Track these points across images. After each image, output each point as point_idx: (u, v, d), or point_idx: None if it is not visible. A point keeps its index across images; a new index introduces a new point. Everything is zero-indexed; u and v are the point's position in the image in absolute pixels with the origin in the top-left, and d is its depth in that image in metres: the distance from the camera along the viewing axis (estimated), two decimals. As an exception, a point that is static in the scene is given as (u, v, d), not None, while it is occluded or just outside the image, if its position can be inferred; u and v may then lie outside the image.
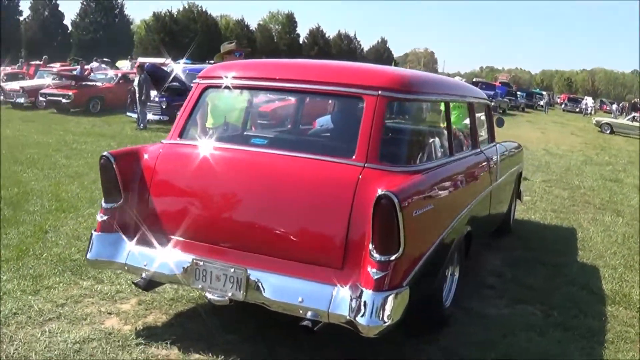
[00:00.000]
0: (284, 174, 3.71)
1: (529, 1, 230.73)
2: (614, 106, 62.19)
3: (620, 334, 4.53)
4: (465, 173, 4.73)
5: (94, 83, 22.72)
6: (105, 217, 4.04)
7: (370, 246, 3.32)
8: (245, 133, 4.83)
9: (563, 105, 64.11)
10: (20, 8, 60.13)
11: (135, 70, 20.11)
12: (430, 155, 4.44)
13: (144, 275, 3.88)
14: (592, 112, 53.00)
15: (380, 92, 3.73)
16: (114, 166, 3.95)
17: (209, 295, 3.65)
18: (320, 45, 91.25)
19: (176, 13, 71.85)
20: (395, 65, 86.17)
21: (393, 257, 3.30)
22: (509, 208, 7.01)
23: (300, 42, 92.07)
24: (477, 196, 4.95)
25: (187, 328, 4.19)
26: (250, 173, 3.79)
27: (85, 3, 64.08)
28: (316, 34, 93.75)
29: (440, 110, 4.82)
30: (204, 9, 75.57)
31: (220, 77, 4.27)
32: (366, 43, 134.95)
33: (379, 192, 3.27)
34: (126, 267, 3.95)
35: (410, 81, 4.17)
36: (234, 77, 4.23)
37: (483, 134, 6.02)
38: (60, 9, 62.60)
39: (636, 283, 5.77)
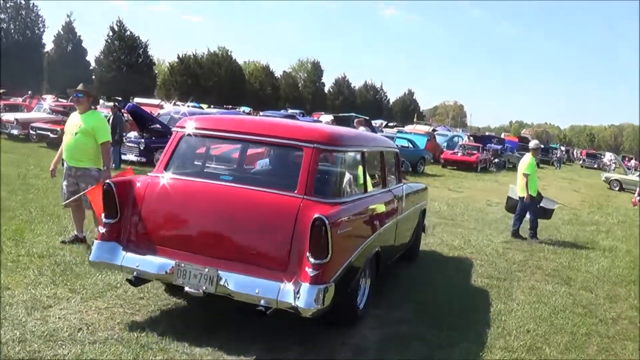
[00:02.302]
0: (245, 201, 5.03)
1: (558, 57, 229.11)
2: (633, 162, 60.50)
3: None
4: (376, 206, 6.09)
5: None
6: (104, 230, 5.24)
7: (308, 253, 4.64)
8: (215, 171, 6.21)
9: (581, 161, 62.78)
10: (44, 41, 60.95)
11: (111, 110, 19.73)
12: (350, 192, 5.76)
13: (135, 274, 5.07)
14: (614, 168, 50.20)
15: (314, 144, 5.14)
16: (114, 191, 5.19)
17: (187, 289, 4.86)
18: (345, 95, 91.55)
19: (201, 56, 72.50)
20: (420, 118, 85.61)
21: (324, 261, 4.62)
22: (414, 238, 8.32)
23: (326, 91, 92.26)
24: (385, 224, 6.33)
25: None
26: (220, 200, 5.11)
27: (109, 40, 65.18)
28: (342, 84, 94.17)
29: (358, 158, 6.13)
30: (229, 54, 76.15)
31: (205, 128, 5.67)
32: (393, 94, 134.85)
33: (315, 215, 4.62)
34: (121, 268, 5.14)
35: (336, 137, 5.62)
36: (209, 129, 5.69)
37: (392, 176, 7.27)
38: (83, 44, 63.44)
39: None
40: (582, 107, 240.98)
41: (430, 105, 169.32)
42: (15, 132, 22.40)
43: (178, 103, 40.21)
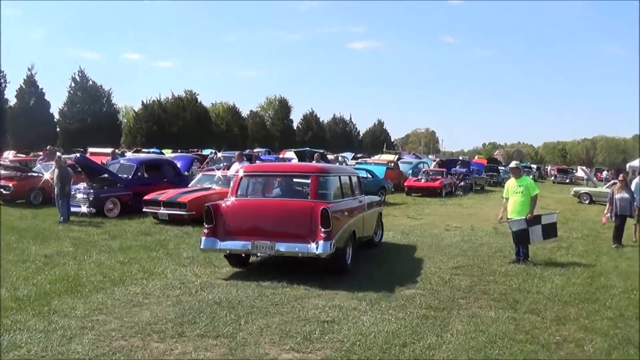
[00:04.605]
0: (285, 205, 9.82)
1: (527, 76, 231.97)
2: (605, 173, 60.57)
3: None
4: (353, 205, 10.86)
5: (38, 174, 21.96)
6: (206, 230, 9.41)
7: (320, 227, 8.96)
8: (265, 192, 10.76)
9: (553, 177, 62.77)
10: (6, 96, 59.85)
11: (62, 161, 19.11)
12: (339, 197, 10.35)
13: (228, 251, 9.53)
14: (587, 183, 48.32)
15: (316, 173, 10.01)
16: (211, 210, 9.41)
17: (259, 254, 9.55)
18: (314, 130, 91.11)
19: (165, 101, 72.00)
20: (390, 147, 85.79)
21: (328, 230, 8.94)
22: (375, 231, 12.85)
23: (294, 127, 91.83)
24: (358, 215, 10.97)
25: None
26: (271, 207, 9.85)
27: (72, 92, 64.57)
28: (310, 119, 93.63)
29: (337, 180, 10.67)
30: (194, 96, 75.74)
31: (252, 171, 11.10)
32: (363, 125, 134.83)
33: (322, 207, 9.04)
34: (220, 250, 9.47)
35: (325, 169, 11.21)
36: (258, 171, 11.45)
37: (357, 190, 11.71)
38: (46, 97, 62.51)
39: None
40: (555, 124, 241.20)
41: (402, 134, 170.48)
42: (-31, 190, 21.57)
43: (143, 150, 40.01)
